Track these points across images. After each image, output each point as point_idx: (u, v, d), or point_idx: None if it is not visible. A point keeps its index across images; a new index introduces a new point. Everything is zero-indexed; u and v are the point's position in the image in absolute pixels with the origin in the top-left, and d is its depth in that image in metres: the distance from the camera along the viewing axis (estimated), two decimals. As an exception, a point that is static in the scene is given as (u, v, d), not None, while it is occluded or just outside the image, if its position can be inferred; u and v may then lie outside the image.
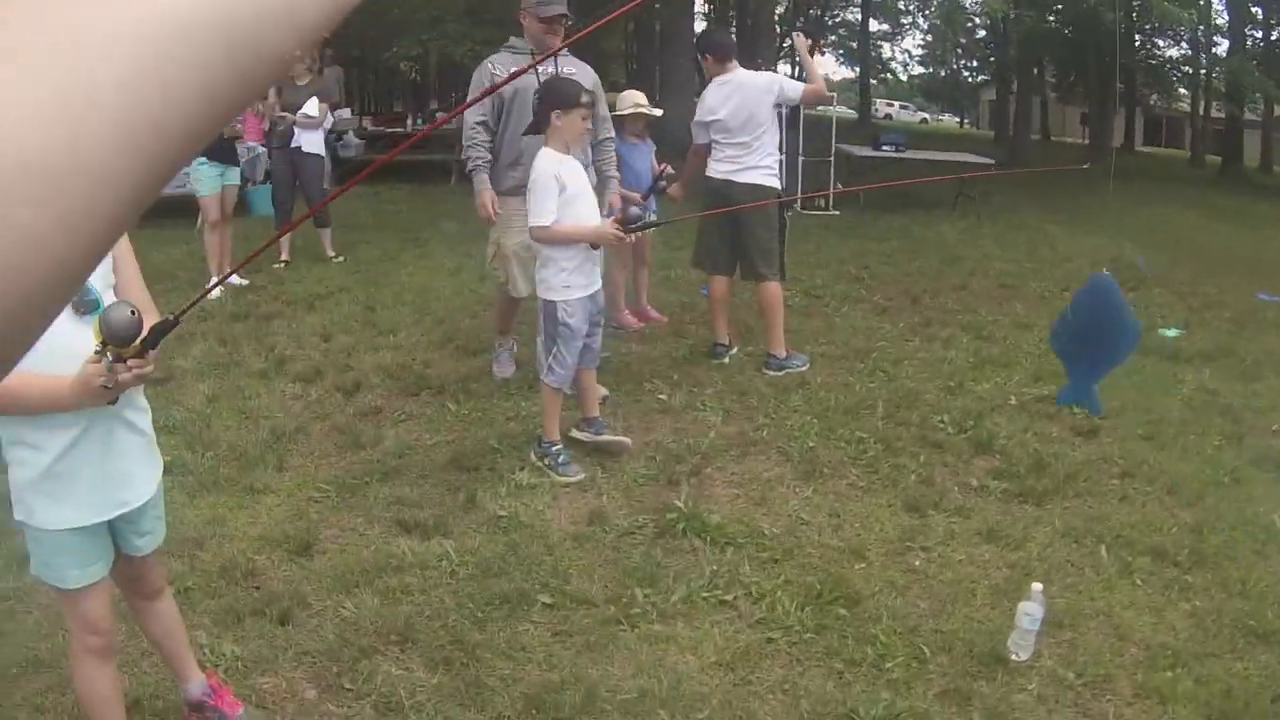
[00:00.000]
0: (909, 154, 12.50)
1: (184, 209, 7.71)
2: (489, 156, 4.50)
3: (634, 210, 3.68)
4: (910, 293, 7.28)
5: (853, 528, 3.41)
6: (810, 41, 5.60)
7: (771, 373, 5.10)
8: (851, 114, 39.36)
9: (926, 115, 56.37)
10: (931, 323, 6.39)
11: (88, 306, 1.84)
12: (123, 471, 1.98)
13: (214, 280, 7.17)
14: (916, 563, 3.18)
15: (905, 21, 37.56)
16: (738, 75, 5.06)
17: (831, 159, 11.74)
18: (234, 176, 7.61)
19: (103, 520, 1.97)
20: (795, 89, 5.11)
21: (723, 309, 5.38)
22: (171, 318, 1.75)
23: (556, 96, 3.63)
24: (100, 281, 1.91)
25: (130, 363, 1.73)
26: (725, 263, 5.25)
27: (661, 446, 4.07)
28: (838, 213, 11.56)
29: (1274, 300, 7.86)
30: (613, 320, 6.01)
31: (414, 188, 13.16)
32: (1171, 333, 6.45)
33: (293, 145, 8.10)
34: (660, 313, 6.41)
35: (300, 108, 7.99)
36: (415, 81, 21.78)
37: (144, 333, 1.71)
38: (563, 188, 3.55)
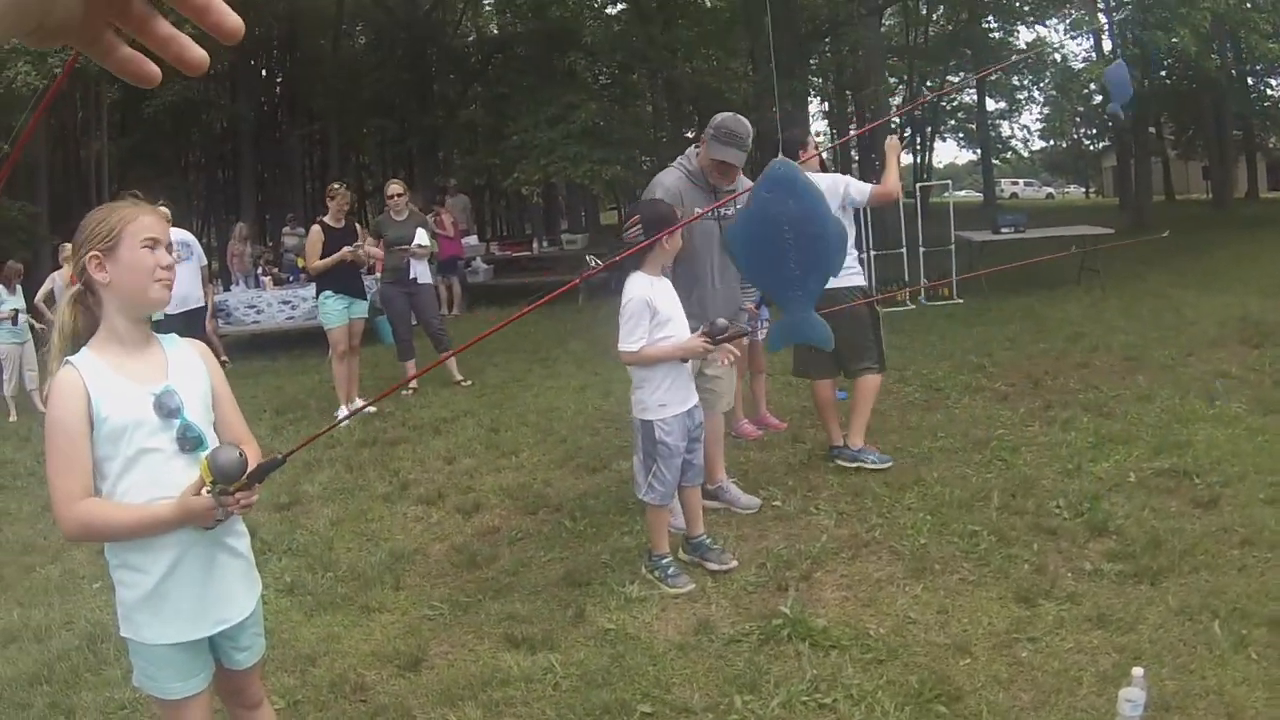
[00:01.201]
0: (1028, 233, 12.64)
1: (317, 340, 8.37)
2: None
3: (720, 322, 3.83)
4: (1032, 376, 7.28)
5: (960, 623, 3.44)
6: (900, 144, 5.81)
7: (842, 463, 5.28)
8: (977, 196, 39.33)
9: (1051, 189, 56.04)
10: (1052, 405, 6.38)
11: (191, 444, 2.14)
12: (222, 592, 2.23)
13: (341, 416, 7.73)
14: (1023, 654, 3.19)
15: (1021, 97, 38.45)
16: None
17: (952, 247, 11.93)
18: (361, 309, 8.26)
19: (204, 636, 2.23)
20: (861, 191, 5.27)
21: (831, 412, 5.54)
22: (280, 457, 2.09)
23: (660, 220, 3.93)
24: (202, 419, 2.20)
25: (237, 495, 2.03)
26: (824, 366, 5.39)
27: (773, 553, 4.18)
28: (961, 301, 11.75)
29: None
30: (732, 430, 6.19)
31: (544, 308, 13.76)
32: None
33: (410, 277, 8.73)
34: (780, 419, 6.55)
35: (408, 240, 8.63)
36: (538, 204, 23.00)
37: (250, 469, 2.02)
38: (654, 312, 3.84)
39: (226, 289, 13.60)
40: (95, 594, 4.68)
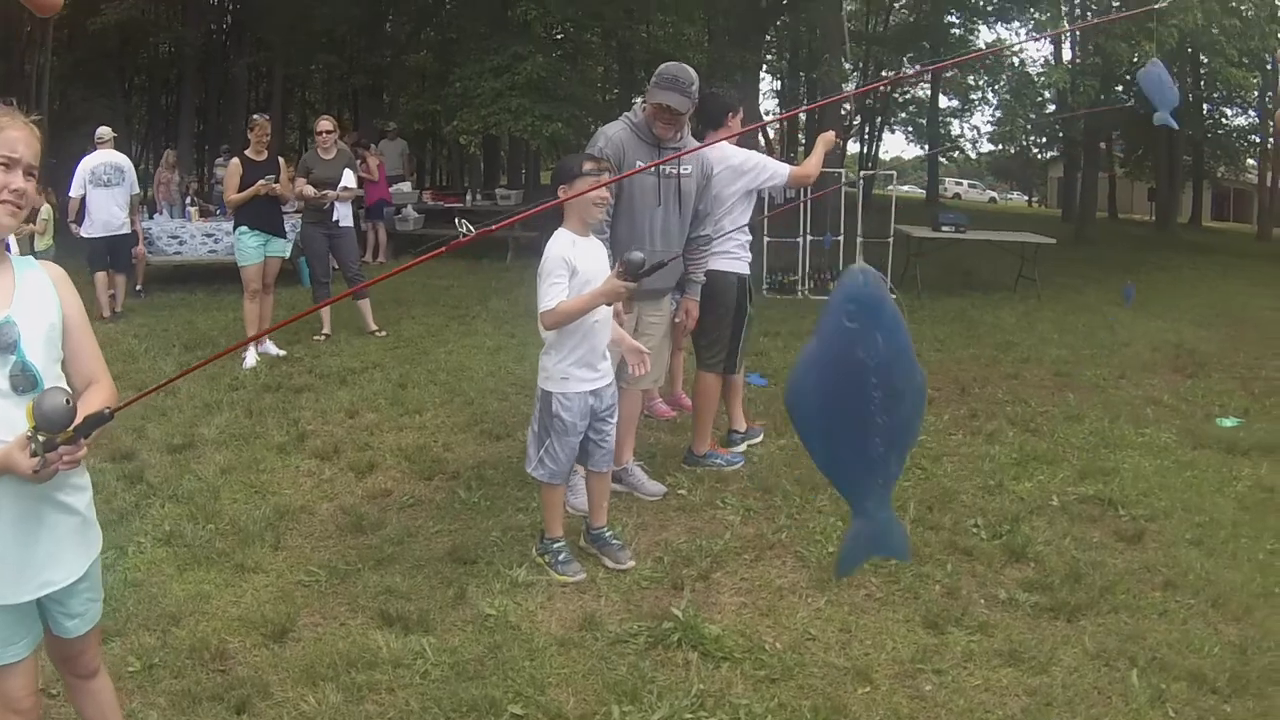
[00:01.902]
0: (970, 234, 12.58)
1: (238, 276, 7.94)
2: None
3: (635, 255, 3.44)
4: (960, 381, 7.18)
5: (863, 645, 3.28)
6: (833, 134, 5.65)
7: (687, 466, 5.04)
8: (920, 193, 39.37)
9: (994, 194, 56.83)
10: (978, 415, 6.27)
11: (26, 383, 1.90)
12: (49, 552, 1.98)
13: (247, 360, 7.38)
14: (927, 688, 3.03)
15: (975, 97, 38.23)
16: (717, 150, 4.92)
17: (890, 240, 11.83)
18: (278, 248, 7.87)
19: (25, 600, 1.98)
20: (780, 173, 5.02)
21: (733, 395, 5.37)
22: (107, 411, 1.84)
23: (562, 172, 3.68)
24: (43, 355, 1.95)
25: (62, 449, 1.79)
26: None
27: (671, 546, 4.01)
28: (895, 296, 11.54)
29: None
30: (645, 408, 6.01)
31: (469, 263, 13.45)
32: (1229, 422, 6.23)
33: (332, 219, 8.36)
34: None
35: (334, 182, 8.26)
36: (477, 155, 22.43)
37: (77, 420, 1.78)
38: (574, 272, 3.55)
39: (151, 217, 12.96)
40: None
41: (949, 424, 6.03)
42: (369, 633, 3.28)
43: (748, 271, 5.08)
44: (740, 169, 4.92)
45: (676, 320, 4.74)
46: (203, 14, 22.21)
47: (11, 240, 7.91)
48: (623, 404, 4.69)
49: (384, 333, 8.68)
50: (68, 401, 1.76)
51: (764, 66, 24.00)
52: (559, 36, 18.69)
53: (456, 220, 2.10)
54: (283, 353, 7.84)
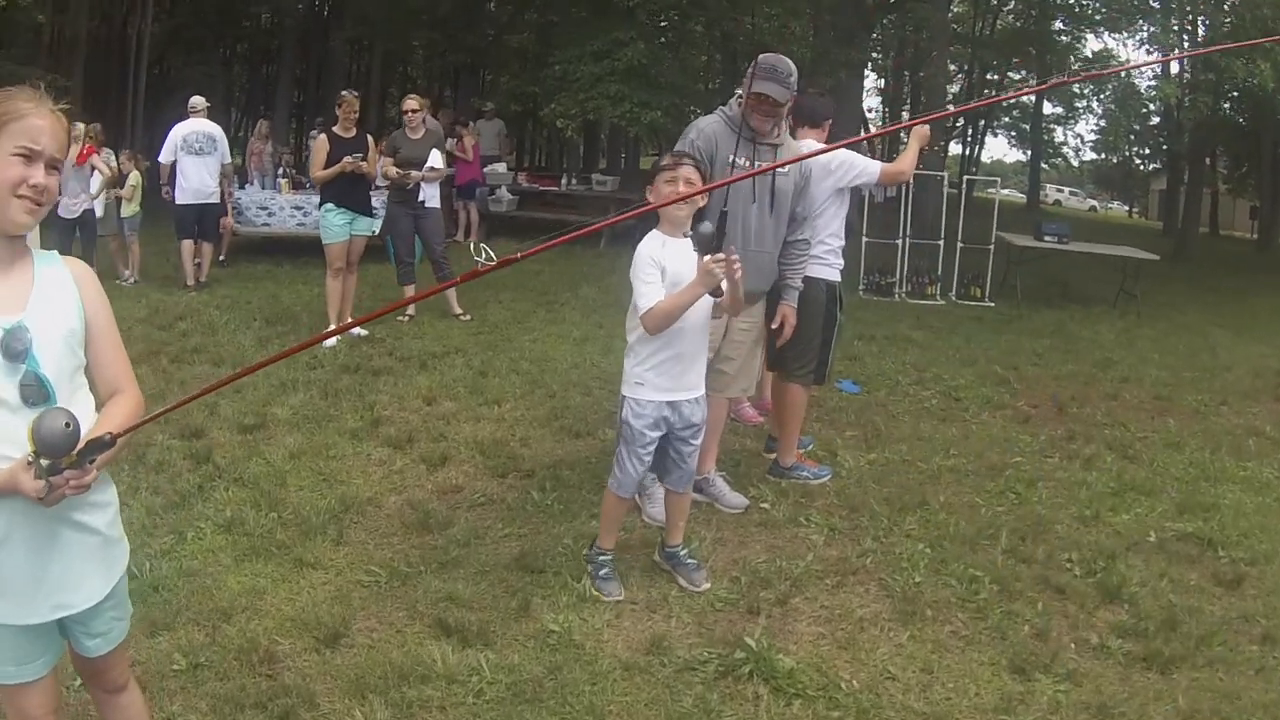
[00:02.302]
0: (1071, 246, 12.45)
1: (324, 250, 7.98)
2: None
3: (705, 226, 3.25)
4: (1057, 400, 6.96)
5: (945, 688, 3.06)
6: (927, 129, 5.40)
7: (772, 478, 4.88)
8: (1021, 198, 39.66)
9: (1095, 203, 55.98)
10: (1075, 437, 6.04)
11: (38, 396, 1.79)
12: (64, 574, 1.90)
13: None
14: None
15: (1079, 105, 38.39)
16: (804, 145, 4.79)
17: (991, 247, 11.74)
18: (364, 226, 7.89)
19: (39, 622, 1.90)
20: (871, 171, 4.86)
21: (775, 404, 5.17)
22: (108, 436, 1.71)
23: (650, 174, 3.53)
24: (60, 362, 1.84)
25: (67, 474, 1.69)
26: (771, 355, 5.01)
27: (749, 566, 3.82)
28: (993, 304, 11.50)
29: None
30: (731, 411, 5.83)
31: (561, 249, 13.38)
32: None
33: (418, 199, 8.36)
34: None
35: (420, 162, 8.24)
36: (571, 140, 22.54)
37: (80, 445, 1.68)
38: (663, 271, 3.37)
39: (243, 187, 13.24)
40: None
41: (1045, 445, 5.81)
42: (425, 643, 3.18)
43: (839, 278, 4.92)
44: (828, 167, 4.77)
45: (773, 327, 4.54)
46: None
47: (98, 204, 8.11)
48: (711, 412, 4.53)
49: (469, 316, 8.65)
50: (68, 425, 1.66)
51: (869, 65, 23.52)
52: (661, 24, 18.53)
53: (472, 246, 1.95)
54: (364, 333, 7.87)
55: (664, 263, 3.36)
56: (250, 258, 11.69)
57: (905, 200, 11.79)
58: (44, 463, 1.67)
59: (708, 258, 3.17)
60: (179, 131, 9.79)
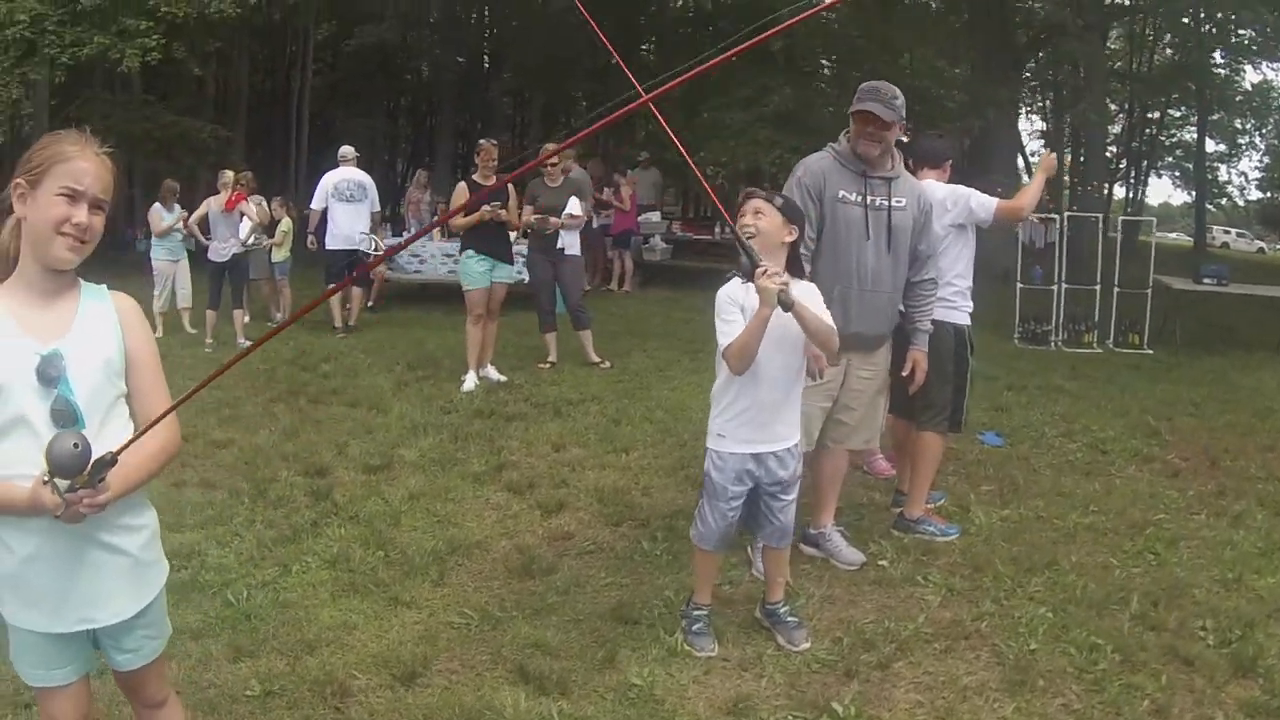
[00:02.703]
0: (1231, 288, 11.75)
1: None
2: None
3: (743, 261, 3.17)
4: (1211, 453, 6.45)
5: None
6: (1052, 157, 5.12)
7: (897, 533, 4.68)
8: (1188, 240, 39.18)
9: (1264, 244, 52.64)
10: (1226, 492, 5.58)
11: (67, 419, 1.92)
12: (91, 591, 2.02)
13: (467, 383, 7.62)
14: None
15: (1242, 141, 37.55)
16: (924, 186, 4.70)
17: (1149, 291, 11.23)
18: (505, 273, 8.12)
19: (65, 632, 2.03)
20: (985, 206, 4.68)
21: (906, 454, 4.98)
22: (109, 455, 1.82)
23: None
24: (95, 389, 1.98)
25: (81, 493, 1.80)
26: (899, 402, 4.78)
27: (855, 626, 3.64)
28: (1151, 352, 10.90)
29: None
30: (864, 464, 5.64)
31: (709, 294, 13.42)
32: None
33: (558, 247, 8.53)
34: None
35: (559, 210, 8.41)
36: (723, 186, 22.73)
37: (89, 467, 1.79)
38: (743, 310, 3.27)
39: (400, 234, 13.88)
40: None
41: (1193, 501, 5.38)
42: (501, 689, 3.17)
43: (968, 321, 4.74)
44: (944, 203, 4.66)
45: (904, 374, 4.38)
46: (461, 40, 23.73)
47: (253, 240, 8.58)
48: (825, 462, 4.39)
49: (608, 364, 8.74)
50: (76, 445, 1.77)
51: (1024, 106, 22.95)
52: (806, 70, 18.52)
53: (360, 235, 2.01)
54: (504, 378, 8.08)
55: (744, 302, 3.27)
56: (402, 304, 12.21)
57: (1061, 244, 11.33)
58: (60, 482, 1.79)
59: (756, 272, 3.07)
60: (330, 179, 10.41)
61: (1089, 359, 10.21)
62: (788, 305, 3.06)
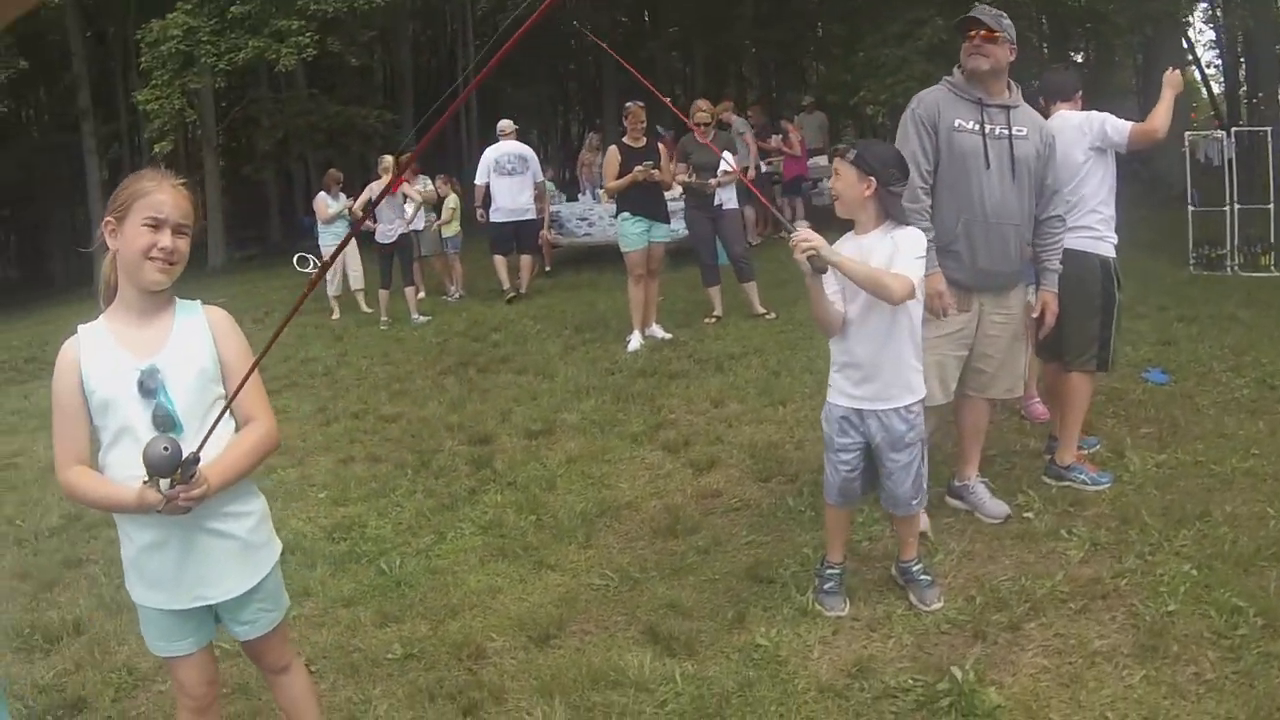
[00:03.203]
0: None
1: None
2: (932, 229, 3.88)
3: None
4: None
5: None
6: (1177, 71, 4.67)
7: (1048, 480, 4.44)
8: None
9: None
10: None
11: (166, 424, 2.16)
12: (203, 573, 2.26)
13: (632, 343, 7.73)
14: None
15: None
16: (1057, 118, 4.55)
17: None
18: (661, 233, 8.16)
19: (183, 608, 2.28)
20: (1119, 129, 4.35)
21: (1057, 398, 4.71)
22: (193, 455, 2.05)
23: (883, 163, 3.31)
24: (191, 397, 2.21)
25: (178, 489, 2.04)
26: (1046, 344, 4.49)
27: (991, 584, 3.49)
28: None
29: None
30: (1020, 408, 5.39)
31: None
32: None
33: (715, 203, 8.49)
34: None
35: (712, 166, 8.34)
36: (884, 126, 22.03)
37: (181, 466, 2.02)
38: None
39: (576, 198, 14.13)
40: (318, 503, 4.98)
41: None
42: (630, 649, 3.24)
43: (1113, 253, 4.42)
44: (1081, 128, 4.40)
45: (1034, 316, 4.17)
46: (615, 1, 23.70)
47: (420, 218, 9.11)
48: (966, 412, 4.24)
49: (773, 315, 8.67)
50: (165, 449, 2.00)
51: (1194, 14, 20.86)
52: None
53: (296, 260, 2.16)
54: (669, 336, 8.15)
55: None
56: (575, 267, 12.46)
57: (1228, 162, 10.29)
58: (161, 482, 2.03)
59: (790, 241, 3.02)
60: (490, 154, 10.73)
61: (1266, 284, 9.28)
62: (821, 268, 3.02)
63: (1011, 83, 4.00)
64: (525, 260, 10.97)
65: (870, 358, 3.27)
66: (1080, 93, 4.80)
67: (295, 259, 9.98)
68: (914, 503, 3.44)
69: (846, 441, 3.38)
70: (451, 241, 11.53)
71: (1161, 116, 4.47)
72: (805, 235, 3.01)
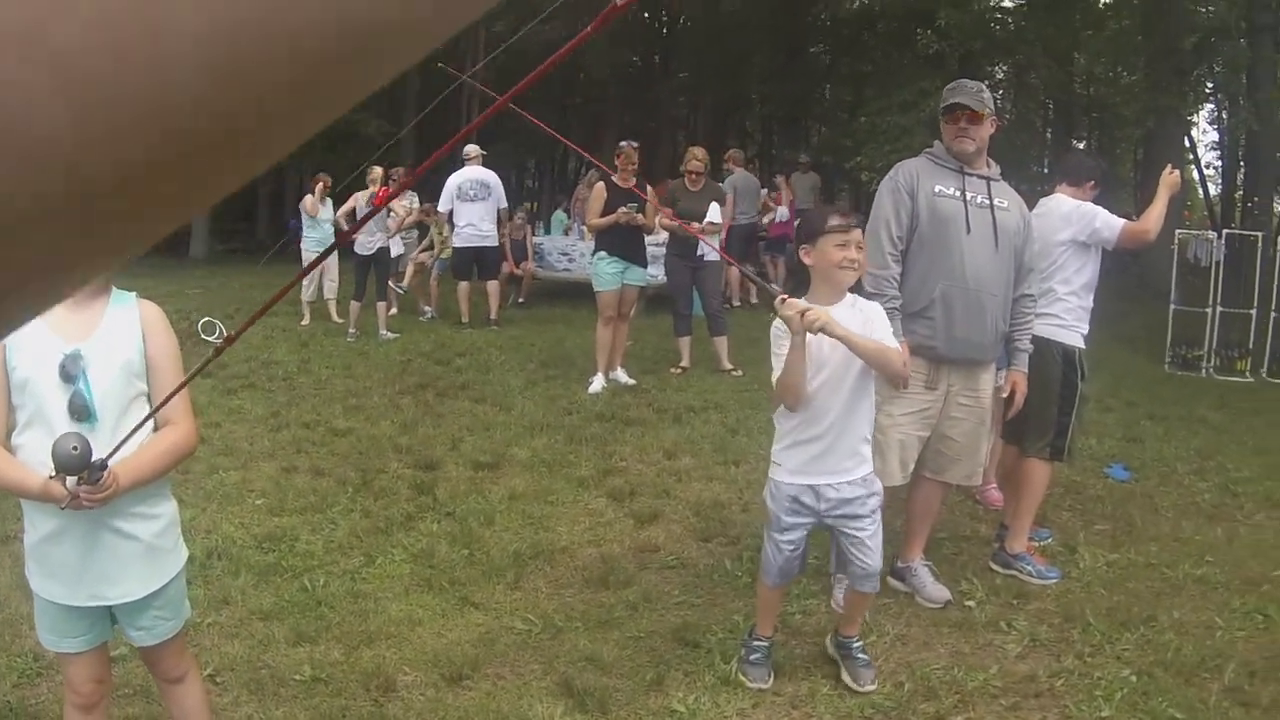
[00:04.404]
0: None
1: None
2: (899, 296, 3.93)
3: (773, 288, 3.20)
4: None
5: None
6: (1175, 173, 4.74)
7: (996, 568, 4.45)
8: None
9: None
10: None
11: (82, 413, 2.14)
12: (103, 571, 2.23)
13: (593, 385, 7.71)
14: None
15: None
16: (1050, 199, 4.69)
17: None
18: (636, 276, 8.17)
19: (79, 605, 2.24)
20: (1112, 227, 4.42)
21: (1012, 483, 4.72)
22: (101, 460, 2.02)
23: (804, 229, 3.34)
24: (112, 387, 2.18)
25: (82, 488, 2.02)
26: (1008, 428, 4.54)
27: (922, 672, 3.48)
28: None
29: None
30: (975, 493, 5.39)
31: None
32: None
33: (696, 253, 8.52)
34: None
35: (699, 215, 8.38)
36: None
37: (89, 468, 2.00)
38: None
39: (565, 233, 14.20)
40: (253, 510, 4.91)
41: None
42: (542, 699, 3.20)
43: (1080, 343, 4.47)
44: (1068, 218, 4.46)
45: (1003, 395, 4.20)
46: (632, 40, 23.94)
47: (394, 243, 9.17)
48: (917, 493, 4.24)
49: (740, 372, 8.68)
50: (75, 448, 1.97)
51: (1193, 113, 21.45)
52: (974, 74, 17.94)
53: (199, 328, 2.19)
54: (632, 381, 8.14)
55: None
56: (550, 301, 12.45)
57: (1215, 264, 10.47)
58: (66, 477, 2.02)
59: (776, 301, 3.00)
60: (454, 180, 10.80)
61: (1239, 389, 9.44)
62: (813, 329, 2.96)
63: (989, 159, 4.08)
64: (492, 287, 10.97)
65: (832, 429, 3.23)
66: (1092, 183, 4.77)
67: (201, 324, 9.65)
68: (876, 581, 3.44)
69: (796, 521, 3.32)
70: (440, 264, 11.59)
71: (1154, 218, 4.54)
72: (812, 311, 2.95)
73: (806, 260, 3.28)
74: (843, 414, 3.23)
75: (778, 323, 3.22)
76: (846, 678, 3.42)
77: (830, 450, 3.25)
